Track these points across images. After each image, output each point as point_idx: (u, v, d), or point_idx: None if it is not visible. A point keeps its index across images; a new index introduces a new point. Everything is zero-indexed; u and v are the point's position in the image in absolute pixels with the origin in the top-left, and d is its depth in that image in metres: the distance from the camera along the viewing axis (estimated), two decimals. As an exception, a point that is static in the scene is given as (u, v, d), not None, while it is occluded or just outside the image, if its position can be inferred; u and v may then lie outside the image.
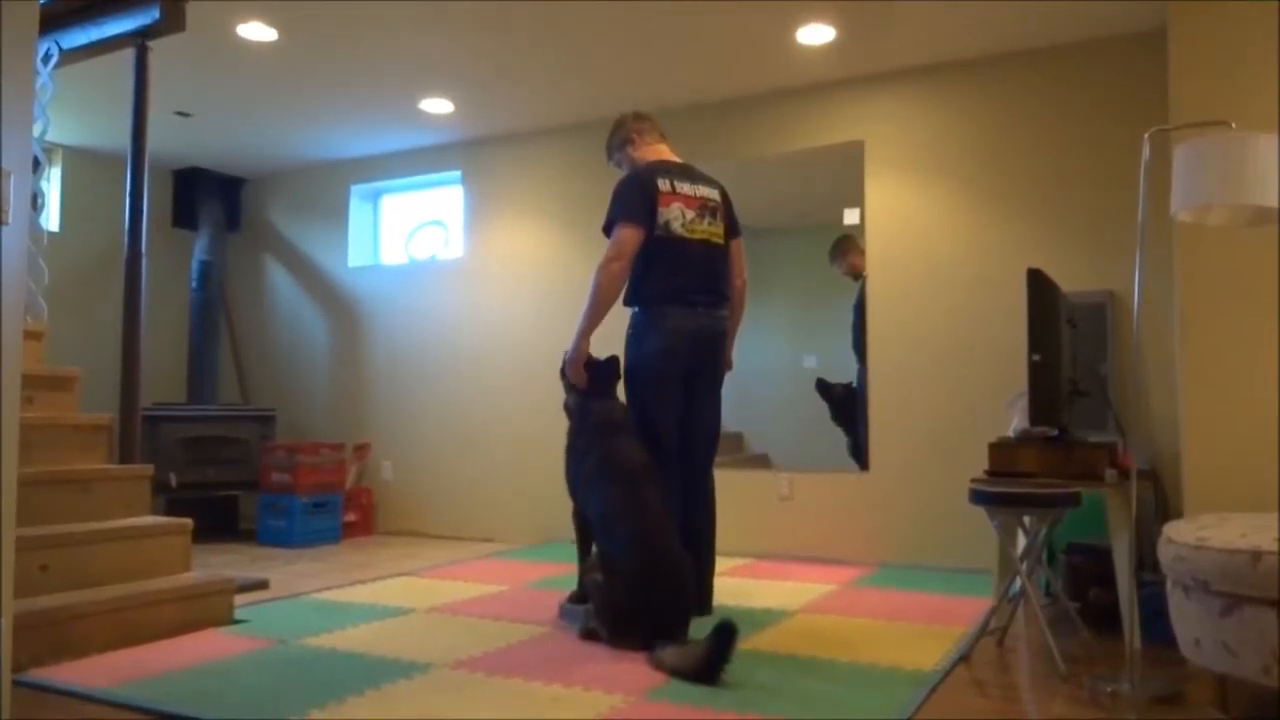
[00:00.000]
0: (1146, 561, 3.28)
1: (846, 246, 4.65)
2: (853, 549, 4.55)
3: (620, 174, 3.45)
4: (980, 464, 4.23)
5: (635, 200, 3.21)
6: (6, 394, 2.07)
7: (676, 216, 3.26)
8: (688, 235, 3.27)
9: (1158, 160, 3.32)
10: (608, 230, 3.24)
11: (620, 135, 3.47)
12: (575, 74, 4.59)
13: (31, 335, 3.43)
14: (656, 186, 3.25)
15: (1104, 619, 3.16)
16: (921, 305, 4.46)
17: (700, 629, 3.07)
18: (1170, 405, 3.88)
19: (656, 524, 2.90)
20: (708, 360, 3.33)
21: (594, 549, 3.12)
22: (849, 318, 4.64)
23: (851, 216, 4.63)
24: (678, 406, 3.28)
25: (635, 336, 3.30)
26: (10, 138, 2.10)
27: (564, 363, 3.31)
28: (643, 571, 2.81)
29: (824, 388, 4.64)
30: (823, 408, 4.68)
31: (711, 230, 3.34)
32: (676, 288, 3.24)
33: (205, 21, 3.95)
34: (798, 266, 4.75)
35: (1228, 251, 2.89)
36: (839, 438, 4.64)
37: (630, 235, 3.17)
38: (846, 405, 4.61)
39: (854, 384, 4.61)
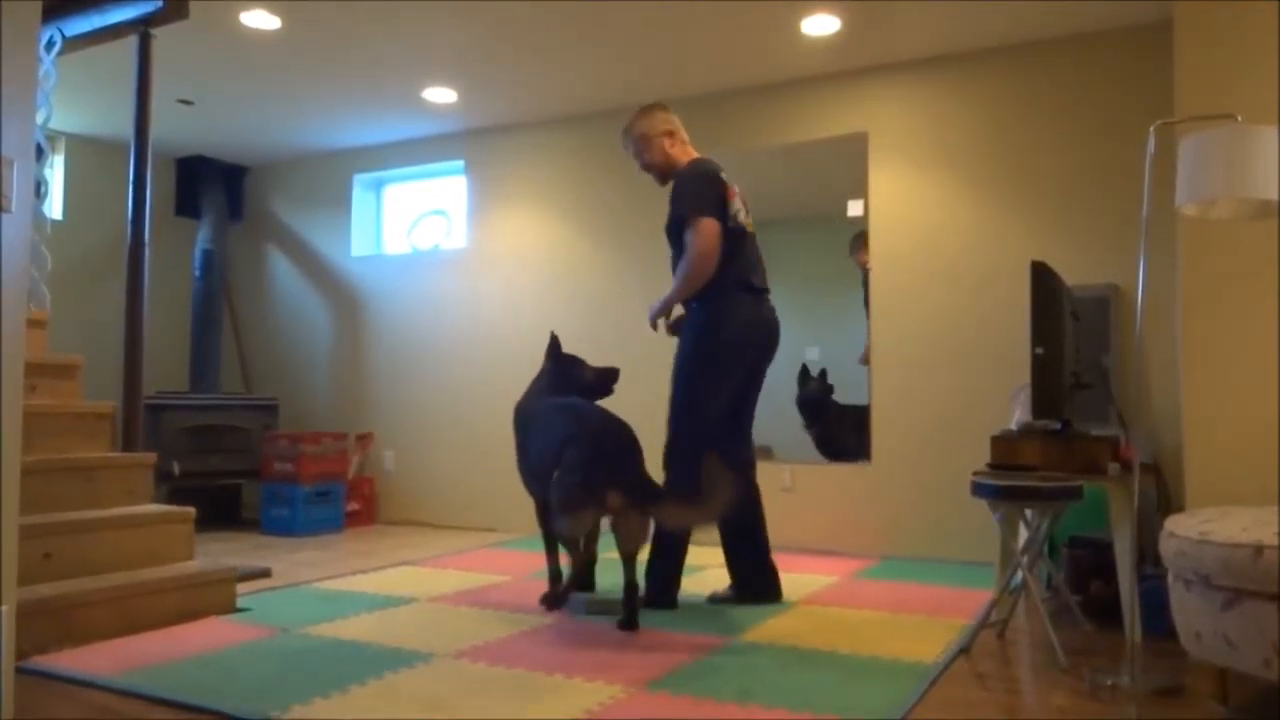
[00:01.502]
0: (1148, 555, 3.28)
1: (863, 242, 4.63)
2: (854, 541, 4.55)
3: (633, 160, 3.52)
4: (982, 457, 4.23)
5: (710, 194, 3.26)
6: (9, 382, 2.07)
7: (738, 209, 3.34)
8: (747, 227, 3.37)
9: (1162, 153, 3.31)
10: (680, 225, 3.26)
11: (663, 125, 3.43)
12: (579, 64, 4.58)
13: (34, 323, 3.44)
14: (722, 179, 3.31)
15: (1105, 612, 3.16)
16: (924, 297, 4.46)
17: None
18: (1172, 399, 3.87)
19: (597, 415, 3.12)
20: (772, 351, 3.41)
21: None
22: (853, 309, 4.63)
23: (855, 208, 4.62)
24: (735, 397, 3.32)
25: (709, 325, 3.26)
26: (13, 125, 2.10)
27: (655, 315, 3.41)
28: (591, 435, 3.02)
29: (802, 400, 4.67)
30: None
31: (752, 223, 3.44)
32: (746, 277, 3.30)
33: (208, 9, 3.94)
34: (801, 258, 4.74)
35: (1232, 245, 2.88)
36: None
37: (715, 227, 3.20)
38: (814, 404, 4.65)
39: (824, 377, 4.63)
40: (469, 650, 2.72)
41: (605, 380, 3.46)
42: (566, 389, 3.39)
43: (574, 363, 3.47)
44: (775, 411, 4.75)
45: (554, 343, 3.51)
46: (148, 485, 3.41)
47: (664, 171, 3.44)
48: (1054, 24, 4.10)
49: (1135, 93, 4.08)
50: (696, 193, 3.26)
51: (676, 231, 3.30)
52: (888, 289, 4.54)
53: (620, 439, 3.04)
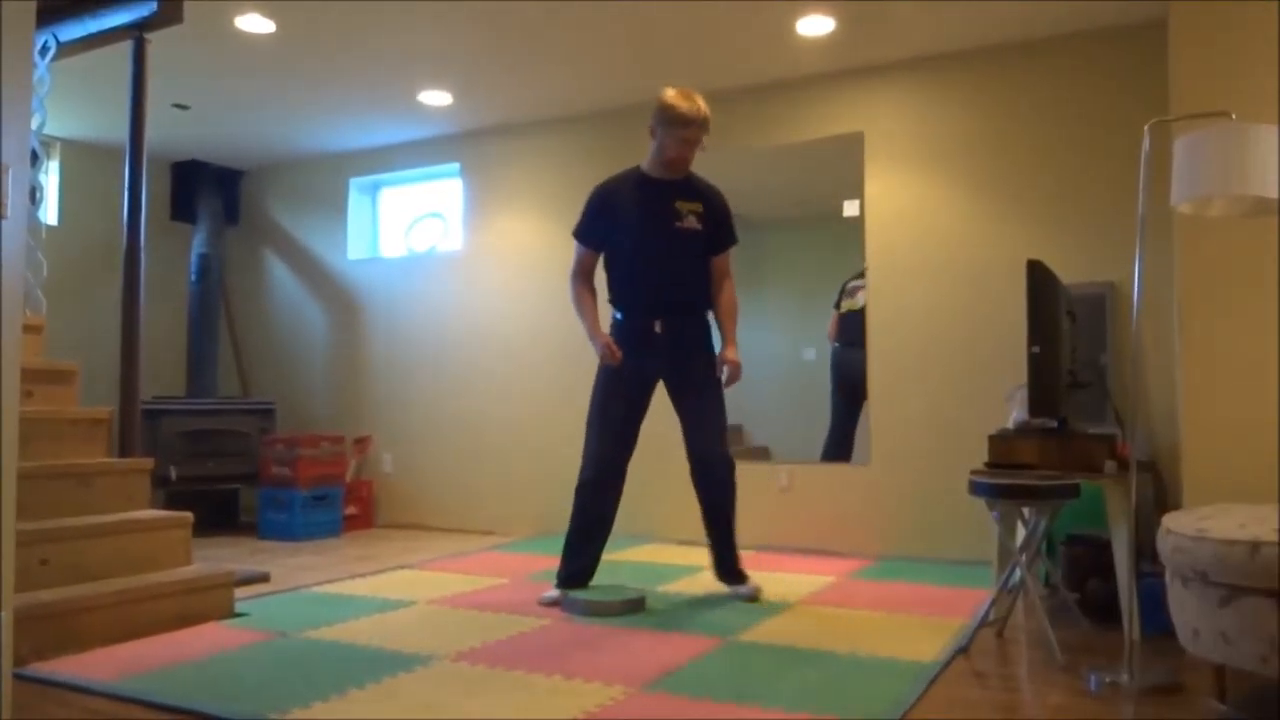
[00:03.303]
0: (1145, 552, 3.28)
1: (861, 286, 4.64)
2: (852, 541, 4.55)
3: (687, 144, 3.31)
4: (980, 456, 4.24)
5: None
6: (6, 387, 2.07)
7: None
8: None
9: (1158, 151, 3.32)
10: (725, 246, 3.52)
11: None
12: (574, 66, 4.58)
13: (30, 329, 3.43)
14: None
15: (1103, 610, 3.17)
16: (921, 297, 4.46)
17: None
18: (1169, 397, 3.88)
19: None
20: None
21: None
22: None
23: (851, 208, 4.63)
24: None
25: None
26: (9, 131, 2.10)
27: None
28: None
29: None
30: (822, 399, 4.68)
31: None
32: None
33: (203, 13, 3.94)
34: (797, 259, 4.74)
35: (1228, 243, 2.89)
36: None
37: None
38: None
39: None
40: (468, 653, 2.72)
41: None
42: None
43: None
44: (773, 411, 4.76)
45: None
46: (145, 490, 3.41)
47: (686, 167, 3.42)
48: (1049, 23, 4.11)
49: (1131, 91, 4.09)
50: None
51: (713, 249, 3.47)
52: (883, 289, 4.54)
53: None
